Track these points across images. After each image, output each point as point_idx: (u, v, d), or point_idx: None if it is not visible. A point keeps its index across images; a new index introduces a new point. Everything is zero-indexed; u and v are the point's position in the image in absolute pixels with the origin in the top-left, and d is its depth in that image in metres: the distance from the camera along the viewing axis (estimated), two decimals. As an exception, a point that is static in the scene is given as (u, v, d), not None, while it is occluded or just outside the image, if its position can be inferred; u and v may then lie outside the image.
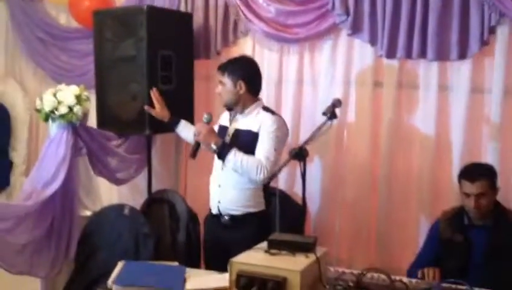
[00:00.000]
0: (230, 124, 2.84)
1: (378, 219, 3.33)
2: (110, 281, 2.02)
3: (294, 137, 3.51)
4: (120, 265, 2.17)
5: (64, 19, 4.44)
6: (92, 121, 3.61)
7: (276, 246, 2.00)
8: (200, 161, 2.97)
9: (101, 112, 3.60)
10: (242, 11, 3.61)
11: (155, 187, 3.69)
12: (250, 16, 3.58)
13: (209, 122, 2.79)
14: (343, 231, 3.44)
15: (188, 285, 2.06)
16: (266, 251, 1.99)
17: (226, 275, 1.94)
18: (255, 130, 2.72)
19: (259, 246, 2.07)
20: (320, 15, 3.40)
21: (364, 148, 3.37)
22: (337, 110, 2.74)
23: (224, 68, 2.82)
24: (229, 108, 2.84)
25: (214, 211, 2.81)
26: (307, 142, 2.53)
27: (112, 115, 3.54)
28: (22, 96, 4.56)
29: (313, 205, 3.43)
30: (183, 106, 3.54)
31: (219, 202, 2.77)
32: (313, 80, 3.53)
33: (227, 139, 2.77)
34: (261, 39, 3.64)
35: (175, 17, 3.67)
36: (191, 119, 3.47)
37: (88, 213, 3.38)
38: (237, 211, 2.73)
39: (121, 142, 3.57)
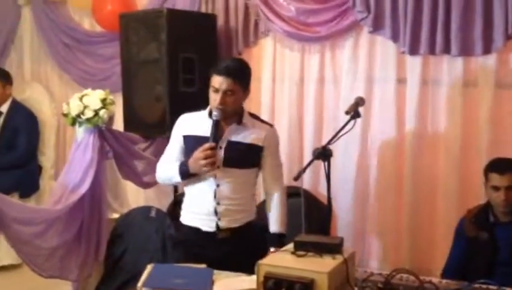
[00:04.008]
0: (219, 135, 2.47)
1: (405, 219, 3.30)
2: (139, 284, 2.06)
3: (317, 137, 3.52)
4: (149, 268, 2.20)
5: (88, 23, 4.51)
6: (118, 125, 3.66)
7: (302, 248, 2.00)
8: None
9: (128, 115, 3.66)
10: (262, 11, 3.62)
11: (181, 189, 3.72)
12: (270, 15, 3.59)
13: (219, 120, 2.46)
14: (370, 231, 3.43)
15: (216, 287, 2.08)
16: (293, 253, 2.00)
17: (254, 277, 1.96)
18: (259, 143, 2.53)
19: (285, 247, 2.08)
20: (341, 12, 3.39)
21: (388, 146, 3.34)
22: (360, 109, 2.74)
23: (233, 74, 2.43)
24: (222, 118, 2.47)
25: (210, 229, 2.51)
26: (330, 141, 2.53)
27: (138, 118, 3.59)
28: (48, 101, 4.64)
29: (338, 206, 3.41)
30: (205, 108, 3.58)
31: (219, 219, 2.50)
32: (334, 78, 3.52)
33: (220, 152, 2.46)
34: (282, 39, 3.64)
35: (198, 19, 3.69)
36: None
37: (116, 216, 3.43)
38: (238, 223, 2.54)
39: (147, 145, 3.61)
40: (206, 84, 2.42)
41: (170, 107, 3.38)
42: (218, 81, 2.42)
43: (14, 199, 3.86)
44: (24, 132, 4.40)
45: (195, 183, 2.53)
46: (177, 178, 2.52)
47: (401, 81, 3.31)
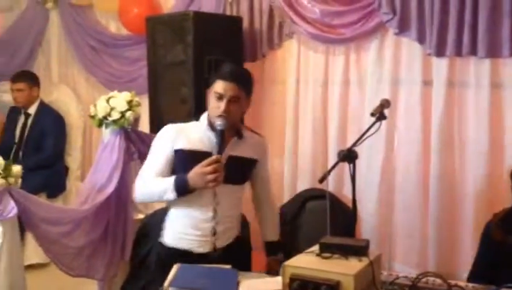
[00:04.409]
0: (222, 149, 2.28)
1: (431, 222, 3.26)
2: (166, 284, 2.08)
3: (341, 139, 3.51)
4: (175, 268, 2.22)
5: (114, 27, 4.58)
6: (144, 126, 3.70)
7: (328, 250, 2.00)
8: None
9: (153, 116, 3.71)
10: (287, 13, 3.63)
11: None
12: (295, 17, 3.59)
13: (224, 129, 2.28)
14: (395, 235, 3.40)
15: (241, 288, 2.09)
16: (318, 255, 2.00)
17: (279, 279, 1.96)
18: (255, 156, 2.44)
19: (311, 249, 2.08)
20: (366, 14, 3.37)
21: (414, 149, 3.31)
22: (386, 111, 2.72)
23: (238, 80, 2.29)
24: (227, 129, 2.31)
25: (204, 250, 2.36)
26: (355, 144, 2.52)
27: (164, 119, 3.62)
28: (75, 103, 4.72)
29: (363, 208, 3.37)
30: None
31: (216, 239, 2.37)
32: (359, 80, 3.50)
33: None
34: (306, 41, 3.64)
35: (223, 21, 3.72)
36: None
37: (141, 216, 3.47)
38: (229, 240, 2.45)
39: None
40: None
41: (196, 109, 3.40)
42: (222, 86, 2.26)
43: (41, 199, 3.93)
44: (51, 134, 4.48)
45: (190, 202, 2.32)
46: (169, 195, 2.24)
47: (427, 83, 3.28)
